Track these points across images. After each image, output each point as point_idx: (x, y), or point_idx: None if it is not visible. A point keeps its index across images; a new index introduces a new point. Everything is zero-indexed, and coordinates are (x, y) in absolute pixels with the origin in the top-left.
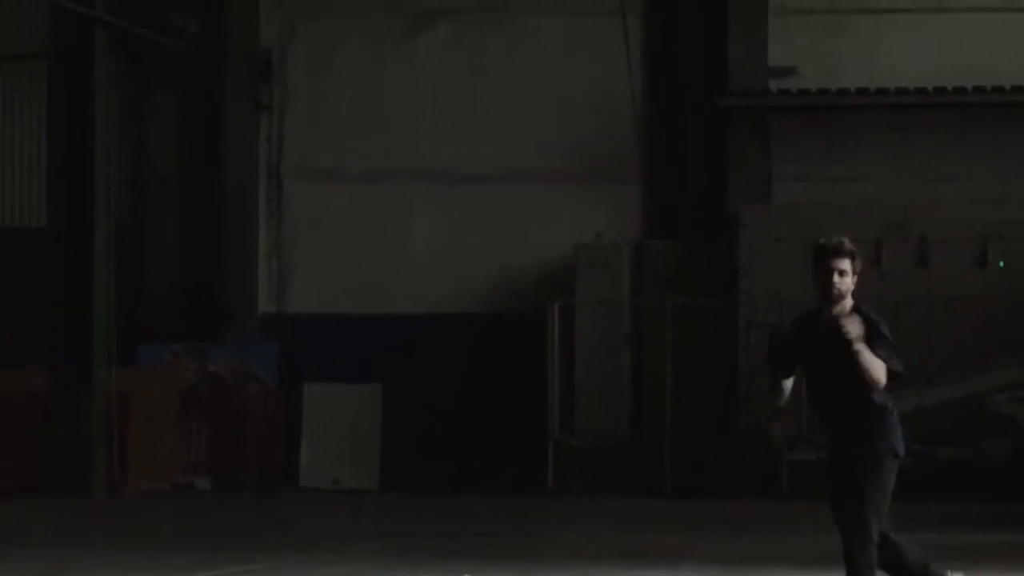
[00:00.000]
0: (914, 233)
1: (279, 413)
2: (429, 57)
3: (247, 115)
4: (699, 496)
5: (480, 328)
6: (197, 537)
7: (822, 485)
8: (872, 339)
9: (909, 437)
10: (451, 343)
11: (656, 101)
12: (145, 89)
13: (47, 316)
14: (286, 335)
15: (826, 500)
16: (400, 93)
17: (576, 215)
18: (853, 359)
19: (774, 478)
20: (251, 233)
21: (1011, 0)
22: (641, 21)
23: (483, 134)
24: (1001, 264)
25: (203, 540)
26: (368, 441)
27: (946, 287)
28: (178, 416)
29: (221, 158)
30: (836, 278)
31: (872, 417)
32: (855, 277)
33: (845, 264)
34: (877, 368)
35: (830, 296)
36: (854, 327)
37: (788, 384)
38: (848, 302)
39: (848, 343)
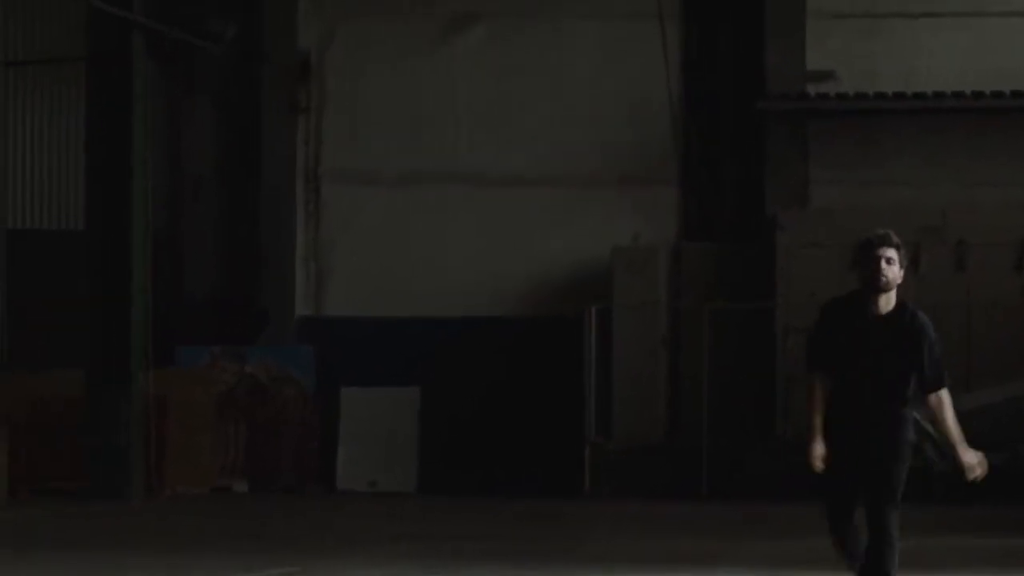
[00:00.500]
0: (952, 237)
1: (316, 416)
2: (465, 60)
3: (284, 118)
4: (735, 500)
5: (517, 331)
6: (235, 540)
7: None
8: (917, 347)
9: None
10: (488, 346)
11: (693, 104)
12: (182, 93)
13: (85, 319)
14: (323, 338)
15: (830, 502)
16: (436, 96)
17: (613, 218)
18: (890, 362)
19: (810, 482)
20: (288, 236)
21: None
22: (678, 24)
23: (519, 137)
24: None
25: (241, 543)
26: (405, 444)
27: (984, 291)
28: (216, 419)
29: (258, 161)
30: (884, 265)
31: (899, 419)
32: (902, 270)
33: (892, 253)
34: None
35: (878, 284)
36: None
37: (823, 381)
38: (894, 295)
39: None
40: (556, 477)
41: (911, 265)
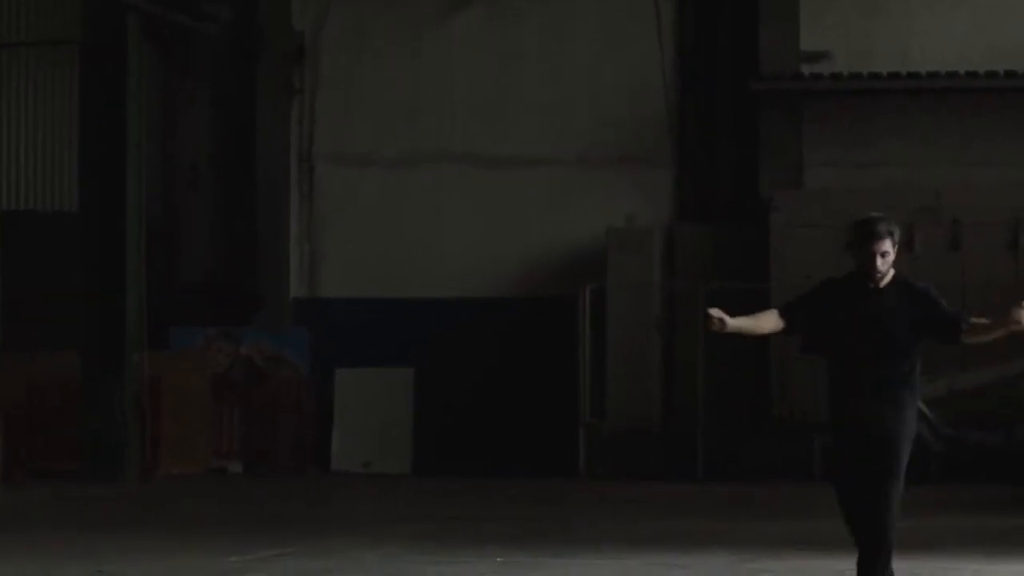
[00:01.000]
0: (946, 217)
1: (310, 398)
2: (462, 41)
3: (279, 100)
4: (730, 481)
5: (512, 312)
6: (230, 522)
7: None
8: (929, 307)
9: (941, 421)
10: (483, 327)
11: (689, 85)
12: (178, 75)
13: (79, 301)
14: (318, 320)
15: (838, 483)
16: (433, 77)
17: (608, 199)
18: (894, 337)
19: (805, 463)
20: (283, 217)
21: None
22: (674, 6)
23: (515, 118)
24: None
25: (236, 525)
26: (400, 426)
27: (979, 271)
28: (211, 401)
29: (253, 143)
30: (879, 260)
31: (904, 399)
32: (894, 252)
33: (887, 246)
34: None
35: (873, 277)
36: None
37: (778, 319)
38: (890, 272)
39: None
40: (550, 458)
41: (906, 246)
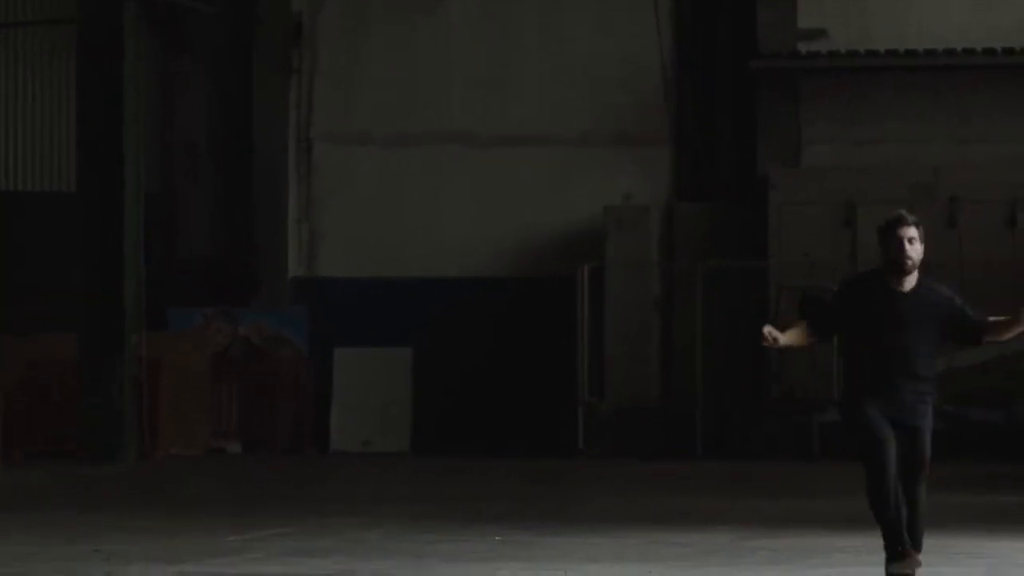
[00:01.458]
0: (944, 194)
1: (309, 377)
2: (460, 21)
3: (277, 80)
4: (729, 459)
5: (510, 291)
6: (228, 501)
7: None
8: (953, 312)
9: (940, 399)
10: (481, 306)
11: (686, 64)
12: (175, 55)
13: (78, 282)
14: (316, 299)
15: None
16: (430, 57)
17: (606, 178)
18: (919, 342)
19: (805, 441)
20: (281, 197)
21: None
22: None
23: (513, 97)
24: None
25: (234, 504)
26: (399, 405)
27: (976, 248)
28: (209, 380)
29: (251, 123)
30: (907, 245)
31: (924, 393)
32: (922, 247)
33: (913, 232)
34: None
35: (903, 265)
36: None
37: (804, 329)
38: (916, 273)
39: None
40: (549, 437)
41: None
